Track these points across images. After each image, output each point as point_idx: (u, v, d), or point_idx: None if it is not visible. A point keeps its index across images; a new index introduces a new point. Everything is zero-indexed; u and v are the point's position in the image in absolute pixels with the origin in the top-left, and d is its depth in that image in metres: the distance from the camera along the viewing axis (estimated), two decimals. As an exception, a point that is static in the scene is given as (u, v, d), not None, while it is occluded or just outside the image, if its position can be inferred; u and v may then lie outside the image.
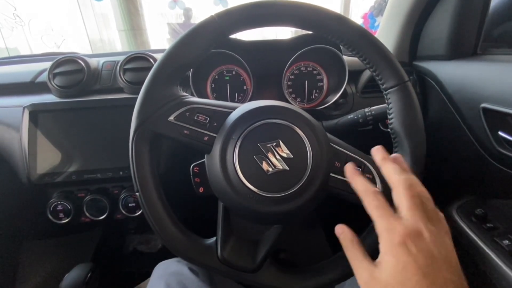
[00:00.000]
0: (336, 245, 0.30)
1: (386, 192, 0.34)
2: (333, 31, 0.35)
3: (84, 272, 0.58)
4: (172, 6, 5.02)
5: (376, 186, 0.33)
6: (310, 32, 0.46)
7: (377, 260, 0.25)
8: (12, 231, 0.67)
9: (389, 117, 0.36)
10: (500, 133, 0.44)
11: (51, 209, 0.56)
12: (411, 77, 0.63)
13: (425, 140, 0.35)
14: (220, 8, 0.36)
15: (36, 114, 0.55)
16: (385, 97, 0.36)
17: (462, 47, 0.57)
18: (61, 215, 0.56)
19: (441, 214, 0.27)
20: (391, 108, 0.35)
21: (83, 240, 0.84)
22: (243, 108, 0.34)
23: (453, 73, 0.55)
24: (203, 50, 0.35)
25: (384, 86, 0.35)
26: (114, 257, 0.91)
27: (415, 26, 0.63)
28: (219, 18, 0.34)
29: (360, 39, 0.35)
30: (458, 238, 0.49)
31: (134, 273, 0.88)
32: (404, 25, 0.64)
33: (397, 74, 0.34)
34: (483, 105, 0.46)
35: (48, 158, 0.55)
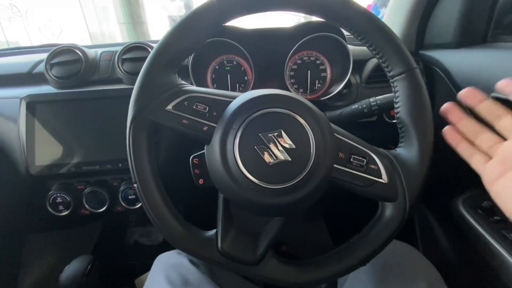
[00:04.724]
0: (337, 238, 0.29)
1: (392, 184, 0.33)
2: (337, 15, 0.33)
3: (84, 264, 0.58)
4: (173, -2, 4.95)
5: (381, 178, 0.32)
6: (313, 20, 0.45)
7: None
8: (13, 224, 0.67)
9: (396, 106, 0.34)
10: (510, 123, 0.43)
11: (50, 201, 0.55)
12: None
13: (433, 131, 0.33)
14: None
15: (34, 105, 0.54)
16: (392, 85, 0.34)
17: (472, 35, 0.54)
18: (61, 207, 0.56)
19: None
20: (398, 97, 0.34)
21: (85, 232, 0.84)
22: (243, 97, 0.33)
23: (462, 62, 0.53)
24: (202, 35, 0.34)
25: (391, 73, 0.34)
26: (115, 250, 0.92)
27: (422, 13, 0.61)
28: (219, 1, 0.32)
29: (366, 23, 0.33)
30: (465, 231, 0.48)
31: (135, 265, 0.88)
32: (410, 12, 0.62)
33: (405, 60, 0.33)
34: (494, 95, 0.44)
35: (46, 150, 0.54)
